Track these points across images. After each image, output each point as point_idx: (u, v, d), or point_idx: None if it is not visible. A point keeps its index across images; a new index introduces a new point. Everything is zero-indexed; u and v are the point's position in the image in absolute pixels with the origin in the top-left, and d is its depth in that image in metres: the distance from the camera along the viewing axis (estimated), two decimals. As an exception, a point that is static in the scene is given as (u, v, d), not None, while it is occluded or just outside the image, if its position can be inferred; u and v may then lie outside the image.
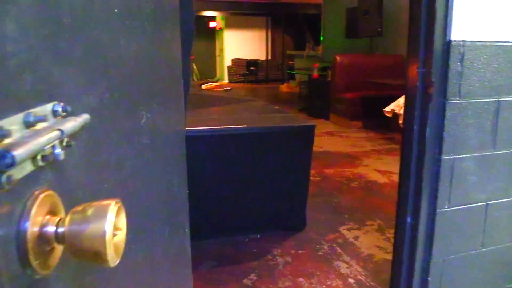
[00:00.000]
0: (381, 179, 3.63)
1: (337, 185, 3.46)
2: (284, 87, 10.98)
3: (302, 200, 2.62)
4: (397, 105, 4.86)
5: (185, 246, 1.17)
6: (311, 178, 3.66)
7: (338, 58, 6.10)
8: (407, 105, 1.63)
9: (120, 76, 0.62)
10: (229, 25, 14.08)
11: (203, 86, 4.27)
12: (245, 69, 13.24)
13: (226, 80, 14.24)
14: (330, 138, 5.29)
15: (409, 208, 1.56)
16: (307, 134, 2.51)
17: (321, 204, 3.03)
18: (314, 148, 4.76)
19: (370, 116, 5.87)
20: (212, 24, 14.86)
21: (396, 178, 3.62)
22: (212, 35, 15.30)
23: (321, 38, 8.85)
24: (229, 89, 4.08)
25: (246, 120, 2.62)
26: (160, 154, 0.87)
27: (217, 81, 11.72)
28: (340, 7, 7.68)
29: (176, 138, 1.08)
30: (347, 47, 7.61)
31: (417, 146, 1.56)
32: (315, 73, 6.81)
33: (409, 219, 1.56)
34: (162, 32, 0.86)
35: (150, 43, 0.78)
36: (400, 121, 4.77)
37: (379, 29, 6.25)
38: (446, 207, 1.51)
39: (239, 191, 2.50)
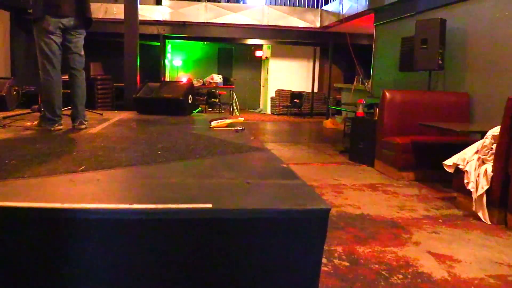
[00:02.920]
0: (438, 271, 2.52)
1: (372, 279, 2.40)
2: (328, 123, 9.97)
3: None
4: (462, 159, 3.73)
5: None
6: (336, 261, 2.64)
7: (387, 93, 5.07)
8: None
9: None
10: (275, 54, 13.39)
11: (213, 124, 3.38)
12: (289, 101, 12.38)
13: (268, 112, 13.45)
14: (372, 194, 4.21)
15: None
16: (316, 222, 1.52)
17: (341, 318, 1.99)
18: (349, 209, 3.70)
19: (425, 166, 4.74)
20: (258, 53, 14.27)
21: (461, 269, 2.49)
22: (258, 64, 14.70)
23: (371, 70, 7.83)
24: (242, 129, 3.18)
25: (224, 190, 1.69)
26: None
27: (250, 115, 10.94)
28: (394, 36, 6.67)
29: None
30: (401, 81, 6.54)
31: None
32: (360, 111, 5.78)
33: None
34: None
35: None
36: (466, 181, 3.63)
37: (440, 62, 5.16)
38: None
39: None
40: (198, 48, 14.26)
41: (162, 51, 11.39)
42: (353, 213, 3.58)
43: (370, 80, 7.92)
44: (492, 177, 3.42)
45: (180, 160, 2.20)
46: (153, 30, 10.66)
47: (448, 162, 3.88)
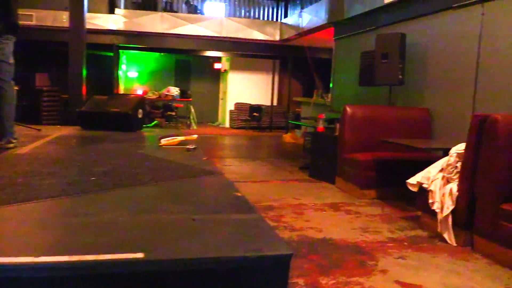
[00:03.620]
0: (408, 305, 2.30)
1: (337, 319, 2.14)
2: (287, 137, 9.81)
3: None
4: (426, 178, 3.59)
5: None
6: (297, 299, 2.37)
7: (348, 108, 4.91)
8: None
9: None
10: (234, 67, 13.17)
11: (162, 141, 3.05)
12: (248, 115, 12.16)
13: (227, 125, 13.17)
14: (334, 215, 3.99)
15: None
16: (275, 270, 1.25)
17: None
18: (311, 232, 3.43)
19: (387, 184, 4.59)
20: (217, 66, 14.01)
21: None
22: (217, 77, 14.43)
23: (331, 84, 7.74)
24: (194, 148, 2.86)
25: (163, 231, 1.38)
26: None
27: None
28: (354, 50, 6.60)
29: None
30: (361, 96, 6.46)
31: None
32: (320, 126, 5.61)
33: None
34: None
35: None
36: (431, 200, 3.48)
37: (400, 77, 5.08)
38: None
39: None
40: (155, 59, 13.82)
41: (115, 62, 10.87)
42: (315, 237, 3.33)
43: (330, 94, 7.83)
44: (458, 197, 3.29)
45: (116, 189, 1.87)
46: (106, 39, 10.16)
47: (412, 180, 3.73)
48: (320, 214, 3.97)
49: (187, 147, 3.08)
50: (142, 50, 12.18)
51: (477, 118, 3.21)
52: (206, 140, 9.72)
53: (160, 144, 3.23)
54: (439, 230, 3.38)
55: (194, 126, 11.82)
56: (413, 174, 3.74)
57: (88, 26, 9.34)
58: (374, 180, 4.58)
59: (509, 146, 3.03)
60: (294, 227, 3.54)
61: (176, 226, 1.45)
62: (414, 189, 3.71)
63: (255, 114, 12.04)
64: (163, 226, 1.44)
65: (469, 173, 3.22)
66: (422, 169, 3.71)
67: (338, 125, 5.16)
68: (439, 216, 3.38)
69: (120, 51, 11.67)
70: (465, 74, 4.51)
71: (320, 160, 5.44)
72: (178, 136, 3.38)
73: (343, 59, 7.32)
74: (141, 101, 4.47)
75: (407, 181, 3.75)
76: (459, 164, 3.38)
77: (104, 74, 10.70)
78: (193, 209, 1.64)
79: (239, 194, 1.87)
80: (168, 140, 3.27)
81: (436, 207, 3.42)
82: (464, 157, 3.29)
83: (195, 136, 3.43)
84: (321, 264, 2.82)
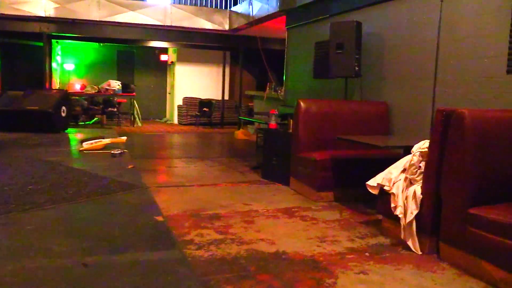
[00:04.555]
0: None
1: None
2: (239, 134, 9.36)
3: None
4: (388, 179, 3.25)
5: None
6: None
7: (302, 103, 4.53)
8: None
9: None
10: (182, 58, 12.51)
11: (84, 145, 2.50)
12: (197, 110, 11.57)
13: (176, 121, 12.53)
14: (288, 222, 3.59)
15: None
16: None
17: None
18: (262, 246, 2.83)
19: (345, 184, 4.25)
20: (163, 58, 13.30)
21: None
22: (164, 69, 13.70)
23: (284, 77, 7.36)
24: (120, 153, 2.34)
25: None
26: None
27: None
28: (308, 40, 6.23)
29: None
30: (316, 89, 6.11)
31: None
32: (272, 122, 5.20)
33: None
34: None
35: None
36: (393, 205, 3.16)
37: (357, 69, 4.76)
38: None
39: None
40: (94, 50, 12.86)
41: (47, 52, 9.86)
42: (267, 251, 2.90)
43: (283, 88, 7.45)
44: (422, 200, 2.98)
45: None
46: (35, 27, 9.19)
47: (372, 182, 3.39)
48: (272, 222, 3.56)
49: (112, 151, 2.55)
50: (78, 40, 11.24)
51: (442, 113, 2.90)
52: (151, 139, 9.08)
53: (82, 148, 2.67)
54: (402, 237, 3.07)
55: (138, 123, 11.10)
56: (373, 173, 3.42)
57: (12, 12, 8.45)
58: (331, 181, 4.23)
59: (477, 144, 2.75)
60: (243, 239, 3.10)
61: (57, 279, 0.95)
62: (375, 192, 3.38)
63: (205, 109, 11.47)
64: (38, 278, 0.95)
65: (434, 174, 2.92)
66: (382, 168, 3.39)
67: (291, 121, 4.77)
68: (403, 222, 3.07)
69: (53, 40, 10.69)
70: (424, 65, 4.25)
71: (273, 159, 5.03)
72: (104, 138, 2.83)
73: (296, 50, 6.95)
74: (65, 96, 3.87)
75: (367, 183, 3.42)
76: (422, 164, 3.07)
77: (36, 66, 9.74)
78: (90, 247, 1.14)
79: (160, 219, 1.39)
80: (91, 144, 2.72)
81: (399, 212, 3.10)
82: (428, 156, 2.99)
83: (124, 138, 2.91)
84: (272, 286, 2.40)
